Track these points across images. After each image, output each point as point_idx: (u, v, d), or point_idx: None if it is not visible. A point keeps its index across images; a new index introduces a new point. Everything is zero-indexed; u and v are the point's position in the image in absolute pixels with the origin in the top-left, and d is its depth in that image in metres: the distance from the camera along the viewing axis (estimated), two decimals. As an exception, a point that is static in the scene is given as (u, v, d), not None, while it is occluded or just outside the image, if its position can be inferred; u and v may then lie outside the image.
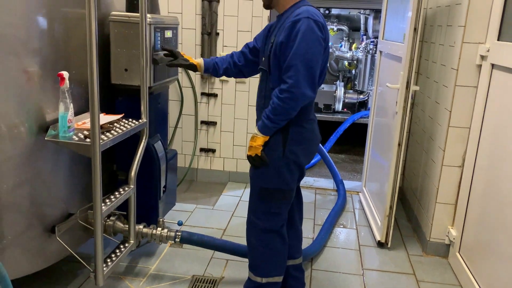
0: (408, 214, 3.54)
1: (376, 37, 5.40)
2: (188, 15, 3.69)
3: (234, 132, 3.92)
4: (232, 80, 3.80)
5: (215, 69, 2.30)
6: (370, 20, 5.52)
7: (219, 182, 4.02)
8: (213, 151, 3.98)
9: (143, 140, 2.29)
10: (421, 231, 3.08)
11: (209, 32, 3.67)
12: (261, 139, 1.96)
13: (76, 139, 1.87)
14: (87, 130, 2.00)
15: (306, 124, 2.02)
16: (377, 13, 5.36)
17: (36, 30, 1.85)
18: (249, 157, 2.02)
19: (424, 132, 3.26)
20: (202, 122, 3.93)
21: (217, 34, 3.70)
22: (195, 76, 3.82)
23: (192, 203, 3.56)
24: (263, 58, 2.06)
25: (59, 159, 2.08)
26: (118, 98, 2.47)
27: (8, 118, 1.75)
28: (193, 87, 3.84)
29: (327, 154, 4.12)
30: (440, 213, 2.85)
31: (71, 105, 1.89)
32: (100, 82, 2.33)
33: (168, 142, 3.95)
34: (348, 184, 4.09)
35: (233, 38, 3.71)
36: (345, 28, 5.84)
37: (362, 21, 5.69)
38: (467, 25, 2.53)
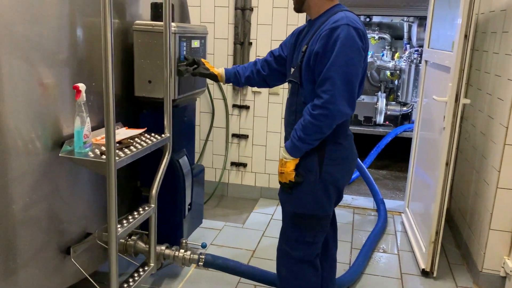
0: (456, 238, 3.21)
1: (421, 46, 5.09)
2: (221, 24, 3.57)
3: (266, 145, 3.74)
4: (264, 91, 3.63)
5: (237, 78, 2.14)
6: (414, 28, 5.21)
7: (250, 198, 3.84)
8: (245, 165, 3.82)
9: (166, 156, 2.16)
10: (472, 260, 2.76)
11: (241, 41, 3.52)
12: (292, 163, 1.75)
13: (92, 155, 1.75)
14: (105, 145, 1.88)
15: (343, 141, 1.81)
16: (421, 20, 5.05)
17: (56, 40, 1.76)
18: (281, 183, 1.82)
19: (475, 149, 2.95)
20: (234, 135, 3.78)
21: (250, 43, 3.55)
22: (227, 88, 3.69)
23: (221, 220, 3.39)
24: (292, 69, 1.86)
25: (78, 175, 1.98)
26: (143, 111, 2.35)
27: (24, 133, 1.66)
28: (224, 98, 3.70)
29: (366, 170, 3.85)
30: (495, 241, 2.53)
31: (88, 119, 1.77)
32: (124, 95, 2.27)
33: (199, 155, 3.83)
34: (389, 203, 3.80)
35: (266, 48, 3.54)
36: (387, 36, 5.56)
37: (405, 29, 5.39)
38: (528, 31, 2.24)
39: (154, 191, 2.09)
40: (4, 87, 1.53)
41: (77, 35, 1.87)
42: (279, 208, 3.62)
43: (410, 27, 5.34)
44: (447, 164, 2.53)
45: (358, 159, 3.85)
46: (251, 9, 3.48)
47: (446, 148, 2.50)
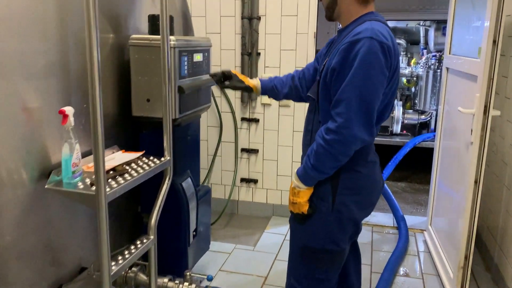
0: (485, 260, 2.96)
1: (438, 51, 4.85)
2: (227, 34, 3.40)
3: (277, 160, 3.54)
4: (275, 104, 3.44)
5: (274, 93, 1.93)
6: (431, 32, 4.97)
7: (262, 216, 3.63)
8: (255, 181, 3.62)
9: (166, 182, 1.97)
10: (505, 285, 2.52)
11: (249, 52, 3.34)
12: (306, 193, 1.56)
13: (81, 186, 1.58)
14: (99, 173, 1.71)
15: (362, 169, 1.59)
16: (439, 24, 4.81)
17: (43, 58, 1.59)
18: (293, 213, 1.63)
19: (505, 164, 2.71)
20: (243, 150, 3.58)
21: (258, 54, 3.36)
22: (235, 100, 3.51)
23: (231, 241, 3.20)
24: (313, 83, 1.68)
25: (72, 204, 1.80)
26: (143, 131, 2.18)
27: (9, 162, 1.49)
28: (232, 112, 3.52)
29: (385, 185, 3.61)
30: (532, 266, 2.29)
31: (77, 145, 1.60)
32: (121, 115, 2.09)
33: (207, 172, 3.64)
34: (410, 220, 3.56)
35: (275, 58, 3.36)
36: (402, 41, 5.33)
37: (421, 34, 5.15)
38: None
39: (153, 221, 1.90)
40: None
41: (68, 53, 1.71)
42: (293, 227, 3.42)
43: (426, 31, 5.10)
44: (476, 182, 2.30)
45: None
46: (259, 18, 3.30)
47: (475, 165, 2.27)
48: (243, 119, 3.53)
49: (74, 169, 1.61)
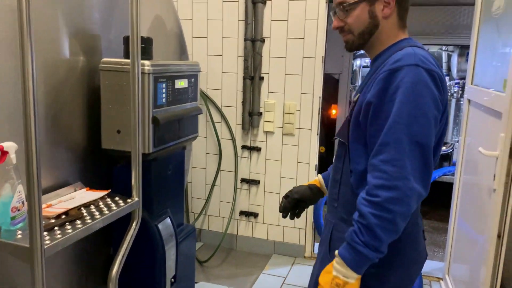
0: (511, 320, 2.58)
1: (462, 78, 4.51)
2: (229, 57, 3.18)
3: (280, 193, 3.26)
4: (278, 132, 3.18)
5: None
6: (455, 58, 4.65)
7: (262, 253, 3.34)
8: (255, 215, 3.34)
9: (134, 226, 1.72)
10: None
11: (252, 76, 3.11)
12: (357, 284, 1.17)
13: (20, 236, 1.34)
14: (50, 217, 1.48)
15: (402, 235, 1.18)
16: (463, 49, 4.49)
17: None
18: None
19: (535, 212, 2.35)
20: (243, 180, 3.32)
21: (261, 78, 3.13)
22: (235, 127, 3.26)
23: (225, 283, 2.91)
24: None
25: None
26: (117, 165, 1.95)
27: None
28: (233, 139, 3.28)
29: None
30: None
31: (20, 186, 1.37)
32: (90, 147, 1.87)
33: (204, 202, 3.39)
34: (426, 265, 3.19)
35: (280, 83, 3.11)
36: (423, 67, 5.02)
37: (444, 59, 4.83)
38: None
39: (114, 272, 1.65)
40: None
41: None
42: (294, 269, 3.11)
43: (449, 57, 4.78)
44: (499, 236, 1.96)
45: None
46: (263, 41, 3.07)
47: (498, 216, 1.94)
48: (244, 147, 3.28)
49: (14, 214, 1.37)
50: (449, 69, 4.81)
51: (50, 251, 1.30)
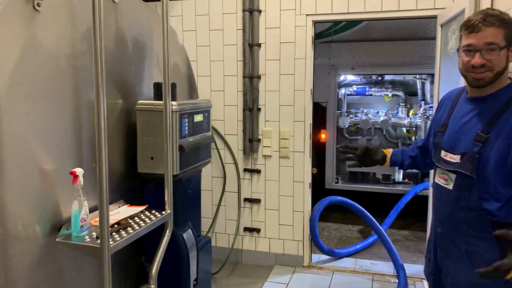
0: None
1: (435, 102, 5.03)
2: (230, 91, 3.65)
3: (279, 210, 3.68)
4: (275, 155, 3.63)
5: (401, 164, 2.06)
6: (427, 85, 5.20)
7: (265, 265, 3.72)
8: (258, 230, 3.74)
9: (167, 234, 2.13)
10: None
11: (250, 107, 3.58)
12: None
13: (88, 239, 1.75)
14: (105, 226, 1.88)
15: None
16: (434, 77, 5.04)
17: (58, 124, 1.81)
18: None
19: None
20: (246, 200, 3.74)
21: (259, 109, 3.60)
22: (237, 152, 3.70)
23: (233, 291, 3.29)
24: (454, 155, 1.67)
25: (80, 257, 1.96)
26: (147, 186, 2.37)
27: (25, 218, 1.67)
28: (235, 163, 3.71)
29: (384, 233, 3.70)
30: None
31: (85, 202, 1.78)
32: (127, 171, 2.29)
33: (211, 221, 3.79)
34: (411, 268, 3.62)
35: (275, 113, 3.58)
36: (401, 93, 5.55)
37: (418, 86, 5.38)
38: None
39: (154, 271, 2.04)
40: (5, 175, 1.57)
41: (80, 120, 1.93)
42: (295, 276, 3.50)
43: (423, 84, 5.33)
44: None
45: (375, 221, 3.74)
46: (259, 77, 3.56)
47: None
48: (245, 170, 3.71)
49: (82, 223, 1.78)
50: (423, 94, 5.35)
51: (114, 249, 1.71)
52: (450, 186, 1.67)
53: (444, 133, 1.75)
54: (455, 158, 1.65)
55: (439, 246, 1.78)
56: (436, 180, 1.77)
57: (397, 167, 2.02)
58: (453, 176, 1.66)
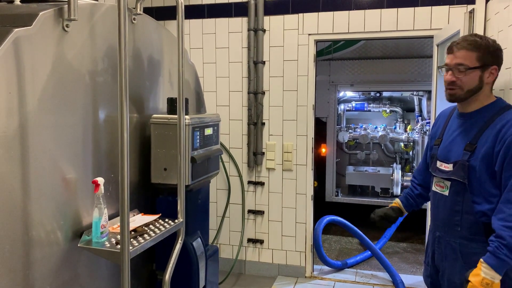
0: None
1: (432, 118, 5.19)
2: (235, 107, 3.79)
3: (282, 221, 3.78)
4: (278, 168, 3.75)
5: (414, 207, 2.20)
6: (424, 101, 5.36)
7: (268, 275, 3.81)
8: (261, 241, 3.84)
9: (179, 241, 2.23)
10: None
11: (255, 122, 3.71)
12: (498, 285, 1.60)
13: (108, 245, 1.85)
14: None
15: None
16: (430, 93, 5.20)
17: (78, 135, 1.93)
18: None
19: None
20: (250, 211, 3.84)
21: (263, 124, 3.73)
22: (242, 165, 3.82)
23: (238, 300, 3.37)
24: (447, 164, 1.83)
25: (98, 262, 2.06)
26: (159, 196, 2.48)
27: (47, 225, 1.77)
28: (240, 175, 3.83)
29: (379, 251, 3.84)
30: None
31: (105, 210, 1.89)
32: (141, 182, 2.41)
33: (216, 232, 3.88)
34: (410, 279, 3.72)
35: (278, 127, 3.72)
36: (398, 109, 5.72)
37: (416, 102, 5.55)
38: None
39: (167, 277, 2.14)
40: (31, 184, 1.68)
41: (99, 130, 2.05)
42: (297, 287, 3.58)
43: (420, 100, 5.49)
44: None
45: (369, 240, 3.84)
46: (263, 93, 3.70)
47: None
48: (249, 182, 3.82)
49: (102, 230, 1.89)
50: (420, 110, 5.51)
51: (133, 254, 1.81)
52: (446, 193, 1.84)
53: (439, 146, 1.92)
54: (448, 167, 1.82)
55: (436, 249, 1.92)
56: (434, 188, 1.93)
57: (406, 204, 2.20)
58: (448, 183, 1.83)
